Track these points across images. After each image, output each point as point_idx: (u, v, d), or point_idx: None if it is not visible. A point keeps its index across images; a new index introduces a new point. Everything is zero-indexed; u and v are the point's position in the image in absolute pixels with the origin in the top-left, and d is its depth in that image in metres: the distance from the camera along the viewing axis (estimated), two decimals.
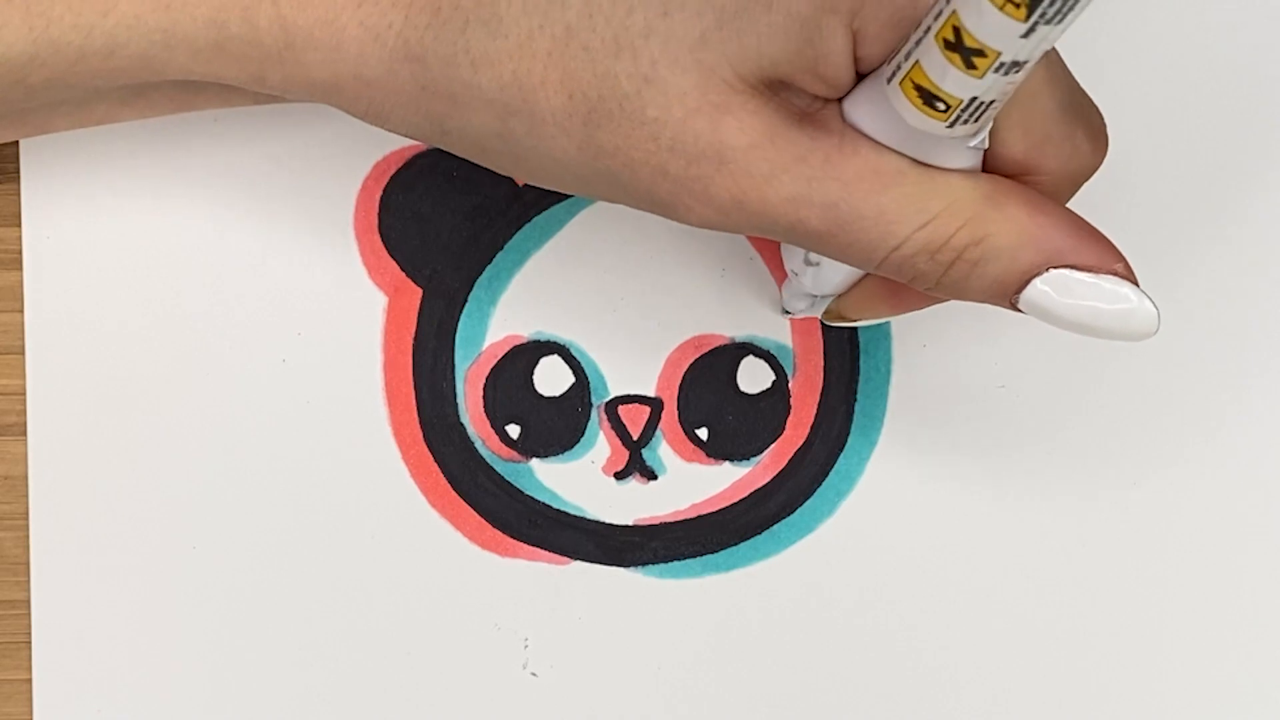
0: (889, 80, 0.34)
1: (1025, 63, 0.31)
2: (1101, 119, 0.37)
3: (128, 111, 0.40)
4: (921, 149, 0.34)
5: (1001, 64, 0.31)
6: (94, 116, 0.40)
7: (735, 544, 0.44)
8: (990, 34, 0.30)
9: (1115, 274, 0.35)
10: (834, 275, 0.39)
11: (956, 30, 0.31)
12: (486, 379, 0.44)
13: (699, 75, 0.34)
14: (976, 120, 0.33)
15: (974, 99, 0.32)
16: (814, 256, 0.39)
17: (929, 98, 0.33)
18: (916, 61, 0.32)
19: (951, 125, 0.33)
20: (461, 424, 0.44)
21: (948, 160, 0.35)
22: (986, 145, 0.35)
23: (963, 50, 0.31)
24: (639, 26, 0.34)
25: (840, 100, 0.35)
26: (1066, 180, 0.36)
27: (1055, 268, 0.35)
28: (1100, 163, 0.37)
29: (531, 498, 0.44)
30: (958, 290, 0.35)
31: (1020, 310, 0.35)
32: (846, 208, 0.34)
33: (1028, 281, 0.35)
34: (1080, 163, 0.36)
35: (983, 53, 0.31)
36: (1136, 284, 0.35)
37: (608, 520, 0.44)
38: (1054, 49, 0.35)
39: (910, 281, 0.36)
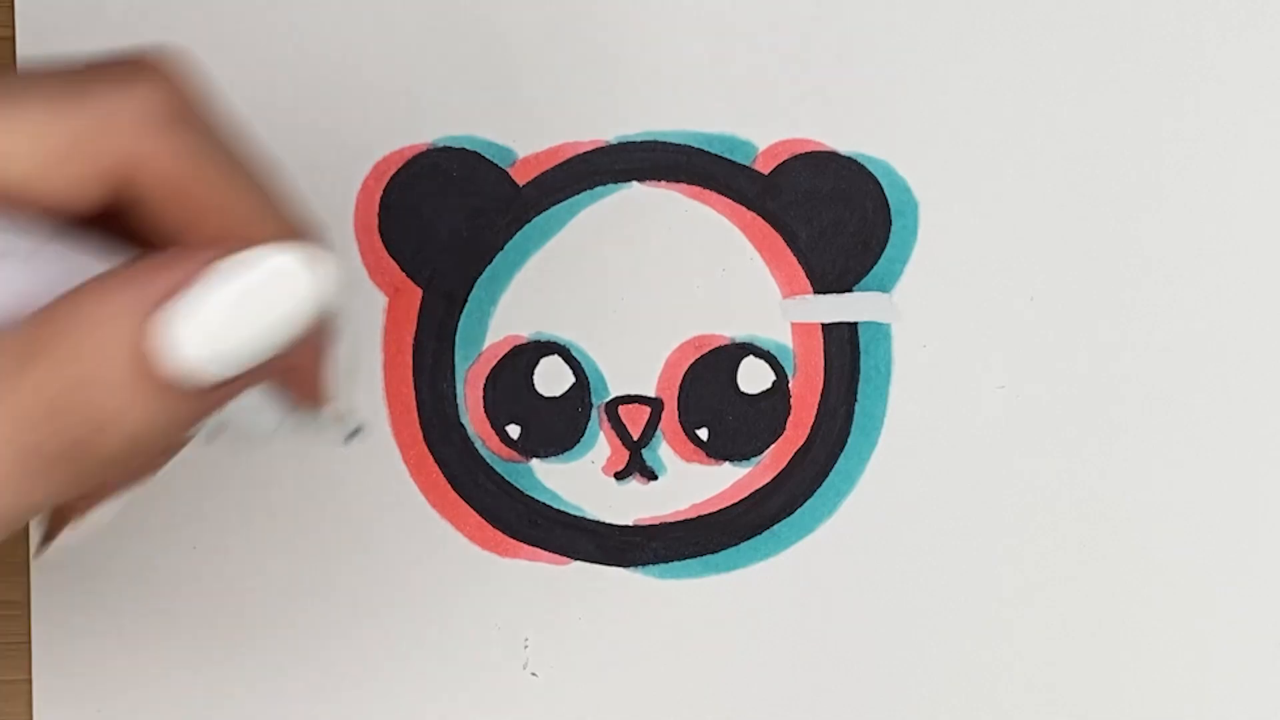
0: None
1: None
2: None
3: None
4: None
5: None
6: None
7: (735, 544, 0.44)
8: None
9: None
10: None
11: None
12: (486, 379, 0.44)
13: None
14: None
15: None
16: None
17: None
18: None
19: None
20: (461, 424, 0.44)
21: None
22: None
23: None
24: None
25: None
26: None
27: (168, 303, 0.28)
28: None
29: (531, 498, 0.44)
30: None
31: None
32: None
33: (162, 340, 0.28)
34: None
35: None
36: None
37: (608, 520, 0.44)
38: None
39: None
